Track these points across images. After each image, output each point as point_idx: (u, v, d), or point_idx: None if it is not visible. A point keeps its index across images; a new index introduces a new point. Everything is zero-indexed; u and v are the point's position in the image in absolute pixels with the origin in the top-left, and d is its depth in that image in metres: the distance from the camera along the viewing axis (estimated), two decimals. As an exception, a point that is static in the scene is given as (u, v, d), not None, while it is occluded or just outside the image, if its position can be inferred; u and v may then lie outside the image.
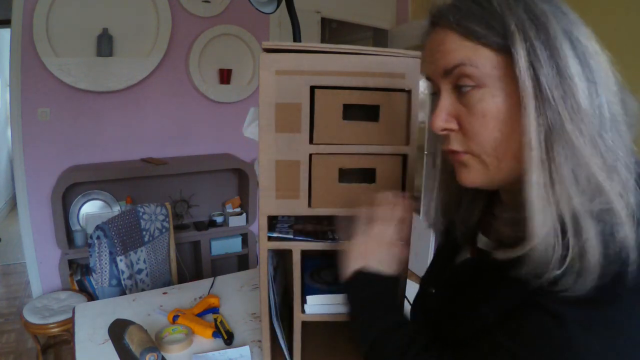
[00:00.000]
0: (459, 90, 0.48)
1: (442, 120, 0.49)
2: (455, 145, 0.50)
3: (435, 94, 0.53)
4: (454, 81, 0.48)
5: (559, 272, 0.41)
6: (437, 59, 0.49)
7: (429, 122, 0.51)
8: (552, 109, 0.41)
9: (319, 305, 0.84)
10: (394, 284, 0.63)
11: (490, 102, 0.45)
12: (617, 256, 0.40)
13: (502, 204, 0.57)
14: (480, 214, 0.62)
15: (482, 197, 0.62)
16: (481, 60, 0.45)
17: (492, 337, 0.47)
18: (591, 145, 0.41)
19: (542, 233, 0.42)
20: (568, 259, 0.41)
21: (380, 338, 0.57)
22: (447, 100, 0.49)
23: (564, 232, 0.41)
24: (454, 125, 0.49)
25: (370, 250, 0.62)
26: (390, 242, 0.63)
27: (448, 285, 0.62)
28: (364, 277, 0.61)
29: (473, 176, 0.50)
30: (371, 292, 0.61)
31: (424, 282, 0.72)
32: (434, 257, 0.71)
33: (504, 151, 0.46)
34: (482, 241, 0.60)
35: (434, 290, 0.65)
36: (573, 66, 0.42)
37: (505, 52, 0.44)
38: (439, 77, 0.50)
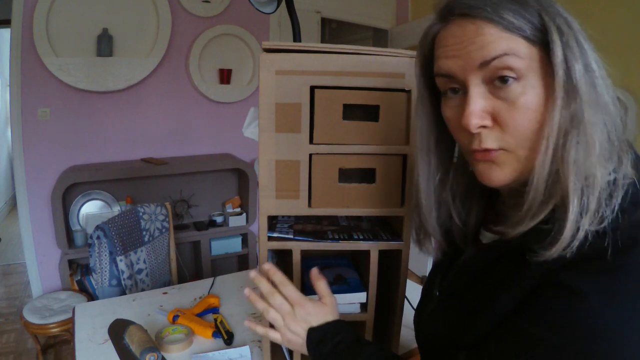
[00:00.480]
0: (492, 84, 0.47)
1: (479, 117, 0.47)
2: (490, 142, 0.48)
3: (452, 90, 0.51)
4: (490, 73, 0.46)
5: (562, 248, 0.43)
6: (470, 52, 0.47)
7: (464, 122, 0.48)
8: (577, 100, 0.43)
9: (319, 305, 0.84)
10: (342, 325, 0.68)
11: (532, 94, 0.45)
12: (614, 233, 0.42)
13: (504, 196, 0.57)
14: (483, 212, 0.61)
15: (484, 196, 0.61)
16: (522, 51, 0.45)
17: (514, 325, 0.47)
18: (601, 134, 0.44)
19: (532, 208, 0.45)
20: (567, 232, 0.43)
21: None
22: (480, 95, 0.47)
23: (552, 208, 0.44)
24: (488, 122, 0.47)
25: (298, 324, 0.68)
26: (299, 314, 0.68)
27: (453, 285, 0.61)
28: (314, 334, 0.67)
29: (505, 174, 0.49)
30: (331, 343, 0.65)
31: (426, 286, 0.71)
32: (434, 263, 0.70)
33: (537, 142, 0.46)
34: (486, 237, 0.59)
35: (437, 293, 0.64)
36: (594, 63, 0.44)
37: (540, 45, 0.45)
38: (471, 70, 0.47)
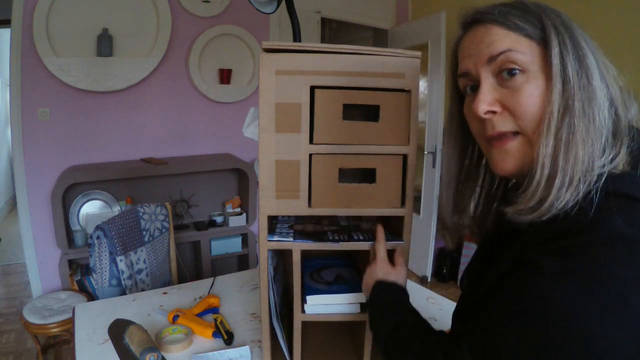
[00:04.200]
0: (500, 76, 0.54)
1: (487, 103, 0.54)
2: (503, 125, 0.54)
3: (471, 88, 0.58)
4: (497, 67, 0.54)
5: (548, 215, 0.49)
6: (480, 49, 0.55)
7: (474, 108, 0.55)
8: (570, 91, 0.49)
9: (319, 305, 0.84)
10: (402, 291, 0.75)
11: (535, 83, 0.52)
12: (594, 211, 0.46)
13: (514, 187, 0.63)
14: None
15: (498, 190, 0.68)
16: (525, 48, 0.52)
17: (494, 300, 0.52)
18: (592, 120, 0.49)
19: (540, 183, 0.50)
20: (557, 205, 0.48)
21: (394, 330, 0.66)
22: (489, 85, 0.54)
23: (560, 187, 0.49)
24: (497, 108, 0.54)
25: (376, 274, 0.78)
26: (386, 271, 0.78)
27: (470, 276, 0.69)
28: (378, 287, 0.76)
29: (515, 159, 0.55)
30: (383, 297, 0.74)
31: (461, 280, 0.76)
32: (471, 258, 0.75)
33: (541, 126, 0.51)
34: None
35: (467, 285, 0.70)
36: (589, 58, 0.51)
37: (541, 43, 0.52)
38: (481, 65, 0.55)
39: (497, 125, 0.54)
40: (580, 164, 0.48)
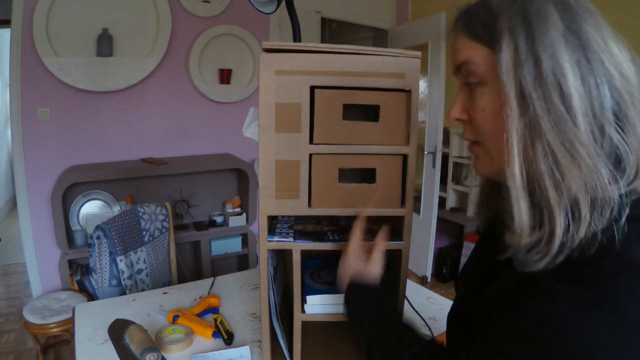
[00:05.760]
0: (469, 86, 0.52)
1: (457, 112, 0.54)
2: (468, 134, 0.55)
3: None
4: (463, 78, 0.53)
5: (538, 255, 0.44)
6: (452, 58, 0.54)
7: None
8: (531, 109, 0.43)
9: (319, 305, 0.84)
10: (380, 289, 0.71)
11: (488, 98, 0.49)
12: (591, 242, 0.42)
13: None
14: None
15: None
16: (480, 59, 0.49)
17: (495, 320, 0.50)
18: (568, 142, 0.42)
19: (521, 222, 0.45)
20: (544, 242, 0.44)
21: (374, 332, 0.65)
22: (461, 94, 0.54)
23: (541, 221, 0.45)
24: (464, 117, 0.54)
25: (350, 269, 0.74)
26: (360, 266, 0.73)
27: (468, 281, 0.66)
28: (349, 290, 0.73)
29: (481, 165, 0.55)
30: (360, 296, 0.71)
31: (455, 283, 0.73)
32: (468, 257, 0.73)
33: (503, 143, 0.47)
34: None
35: (463, 289, 0.68)
36: (564, 64, 0.42)
37: (494, 50, 0.47)
38: (454, 73, 0.55)
39: (465, 131, 0.56)
40: (579, 193, 0.42)
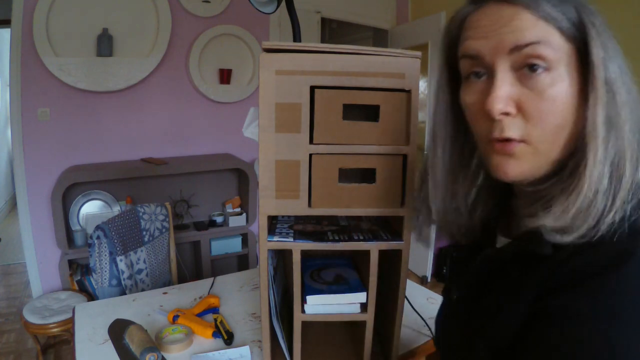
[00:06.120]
0: (521, 71, 0.45)
1: (503, 102, 0.45)
2: (513, 131, 0.46)
3: (475, 74, 0.49)
4: (521, 60, 0.45)
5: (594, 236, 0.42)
6: (503, 34, 0.45)
7: (487, 105, 0.46)
8: (614, 99, 0.43)
9: (319, 305, 0.84)
10: None
11: (561, 87, 0.44)
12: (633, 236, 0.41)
13: (518, 198, 0.56)
14: (490, 210, 0.60)
15: (495, 194, 0.60)
16: (555, 42, 0.44)
17: (525, 346, 0.45)
18: (632, 133, 0.43)
19: (597, 208, 0.42)
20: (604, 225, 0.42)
21: None
22: (507, 80, 0.46)
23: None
24: (512, 109, 0.46)
25: None
26: None
27: (469, 289, 0.60)
28: None
29: (522, 168, 0.47)
30: None
31: (445, 288, 0.69)
32: (450, 263, 0.70)
33: (560, 138, 0.46)
34: (501, 242, 0.58)
35: (456, 296, 0.63)
36: (624, 64, 0.45)
37: (574, 40, 0.44)
38: (501, 53, 0.46)
39: (505, 129, 0.46)
40: (627, 183, 0.42)
